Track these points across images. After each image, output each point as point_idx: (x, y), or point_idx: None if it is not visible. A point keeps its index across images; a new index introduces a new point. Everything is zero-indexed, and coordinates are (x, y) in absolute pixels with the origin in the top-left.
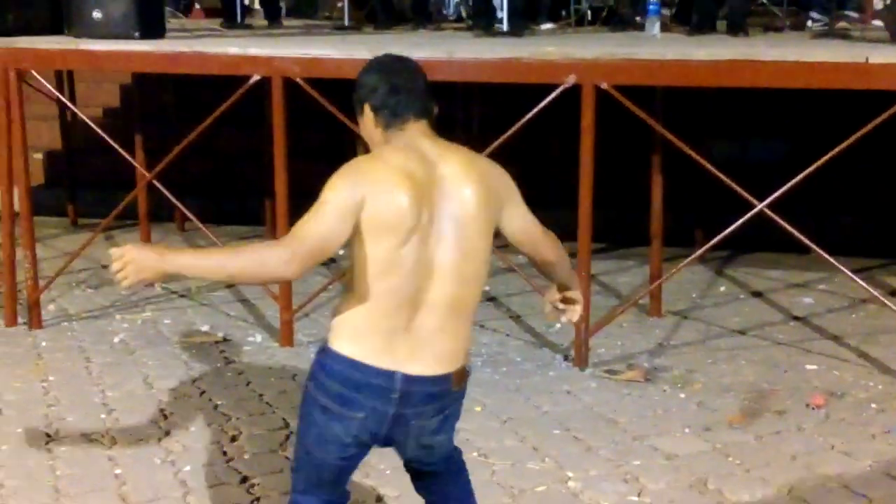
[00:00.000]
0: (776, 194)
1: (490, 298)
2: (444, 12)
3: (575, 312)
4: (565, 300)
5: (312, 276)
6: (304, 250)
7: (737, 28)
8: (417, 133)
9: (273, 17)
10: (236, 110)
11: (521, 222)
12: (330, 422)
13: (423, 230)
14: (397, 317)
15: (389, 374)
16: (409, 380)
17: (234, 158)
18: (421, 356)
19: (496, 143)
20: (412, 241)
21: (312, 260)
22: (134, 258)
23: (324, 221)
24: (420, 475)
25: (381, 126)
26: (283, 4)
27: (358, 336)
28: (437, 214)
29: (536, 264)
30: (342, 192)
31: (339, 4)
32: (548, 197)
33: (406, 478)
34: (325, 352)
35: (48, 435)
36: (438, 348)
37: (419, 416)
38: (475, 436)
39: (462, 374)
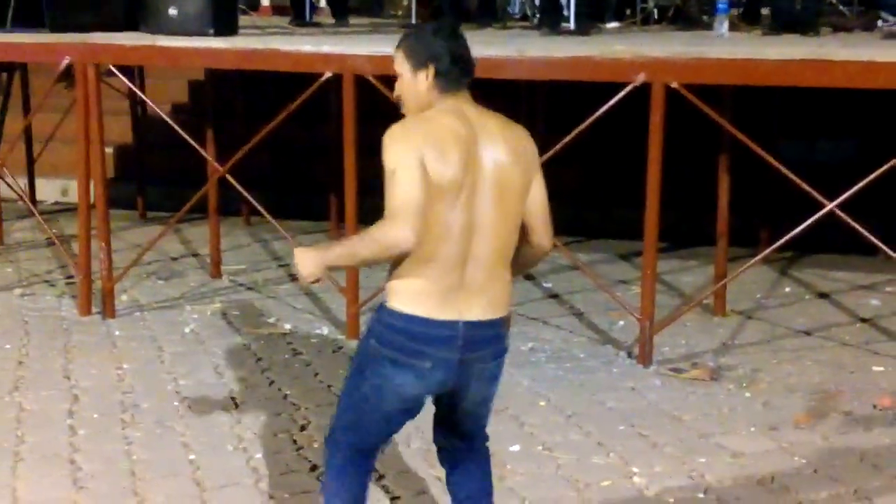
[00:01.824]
0: (847, 194)
1: (553, 295)
2: (510, 10)
3: None
4: None
5: (376, 272)
6: (407, 216)
7: (807, 27)
8: (463, 99)
9: (341, 15)
10: (301, 106)
11: (537, 193)
12: (400, 374)
13: (469, 189)
14: (452, 275)
15: (452, 324)
16: (470, 325)
17: (298, 154)
18: (476, 304)
19: (565, 141)
20: (461, 202)
21: (419, 221)
22: (300, 260)
23: (406, 184)
24: (453, 446)
25: (436, 89)
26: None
27: (419, 296)
28: (480, 174)
29: (521, 246)
30: (405, 154)
31: (405, 2)
32: (614, 196)
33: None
34: (386, 311)
35: (124, 421)
36: (490, 295)
37: (481, 360)
38: (540, 430)
39: (509, 319)
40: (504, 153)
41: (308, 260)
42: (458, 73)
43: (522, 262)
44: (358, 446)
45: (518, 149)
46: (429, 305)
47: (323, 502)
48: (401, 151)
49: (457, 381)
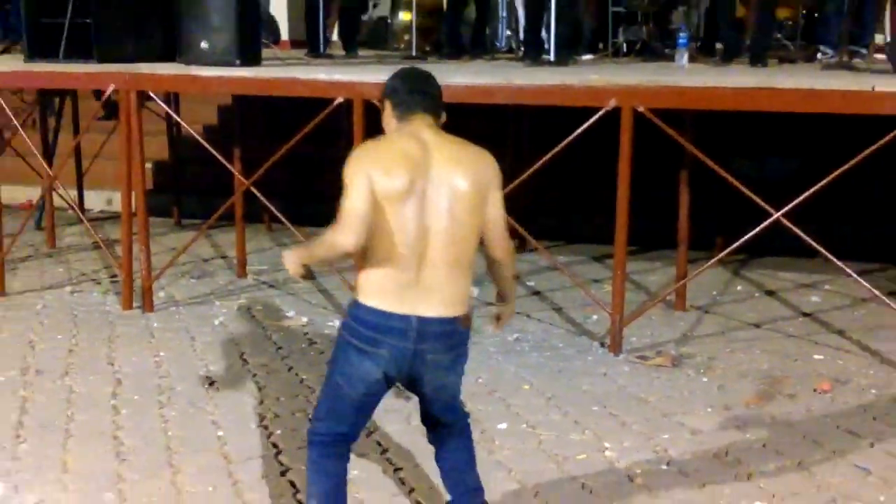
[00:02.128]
0: (791, 205)
1: (535, 292)
2: (497, 44)
3: (498, 325)
4: (498, 316)
5: None
6: (350, 224)
7: (757, 59)
8: (422, 125)
9: (351, 47)
10: (316, 127)
11: (493, 210)
12: (363, 360)
13: (419, 199)
14: (408, 274)
15: (406, 318)
16: (423, 321)
17: (313, 168)
18: (430, 302)
19: (545, 159)
20: (410, 210)
21: (361, 228)
22: (285, 258)
23: (353, 199)
24: (435, 427)
25: (395, 118)
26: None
27: (379, 290)
28: (431, 188)
29: (487, 258)
30: (356, 173)
31: (407, 37)
32: (589, 206)
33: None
34: (354, 304)
35: (161, 402)
36: (444, 295)
37: (434, 351)
38: (524, 410)
39: (467, 318)
40: (456, 171)
41: (288, 258)
42: (413, 105)
43: (493, 273)
44: (335, 432)
45: (472, 168)
46: (387, 300)
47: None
48: (352, 171)
49: (412, 369)
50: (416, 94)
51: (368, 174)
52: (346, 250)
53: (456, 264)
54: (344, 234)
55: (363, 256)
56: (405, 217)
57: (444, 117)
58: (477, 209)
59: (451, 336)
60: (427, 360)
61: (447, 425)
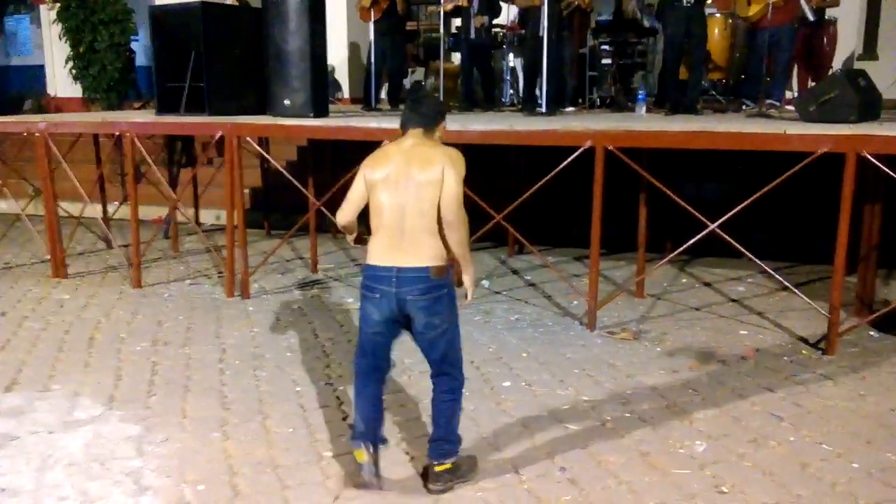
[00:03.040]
0: (723, 218)
1: (531, 284)
2: (503, 100)
3: (467, 300)
4: (465, 294)
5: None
6: (344, 206)
7: (690, 109)
8: (411, 136)
9: (395, 102)
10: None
11: (445, 189)
12: (366, 305)
13: (395, 186)
14: (392, 239)
15: (390, 269)
16: (400, 270)
17: None
18: (406, 257)
19: (538, 185)
20: (387, 193)
21: (349, 209)
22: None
23: (351, 189)
24: (436, 375)
25: (400, 132)
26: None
27: (374, 252)
28: (403, 178)
29: (440, 224)
30: (359, 171)
31: (436, 95)
32: (571, 219)
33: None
34: (364, 265)
35: (254, 365)
36: (416, 252)
37: (411, 293)
38: (523, 372)
39: (439, 270)
40: (418, 165)
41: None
42: (407, 122)
43: (446, 237)
44: (362, 363)
45: (429, 162)
46: (378, 258)
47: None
48: (359, 170)
49: (400, 309)
50: (411, 114)
51: (364, 171)
52: (339, 223)
53: (424, 231)
54: (339, 212)
55: (371, 232)
56: (385, 199)
57: (437, 129)
58: (433, 192)
59: (424, 281)
60: (408, 301)
61: (442, 375)
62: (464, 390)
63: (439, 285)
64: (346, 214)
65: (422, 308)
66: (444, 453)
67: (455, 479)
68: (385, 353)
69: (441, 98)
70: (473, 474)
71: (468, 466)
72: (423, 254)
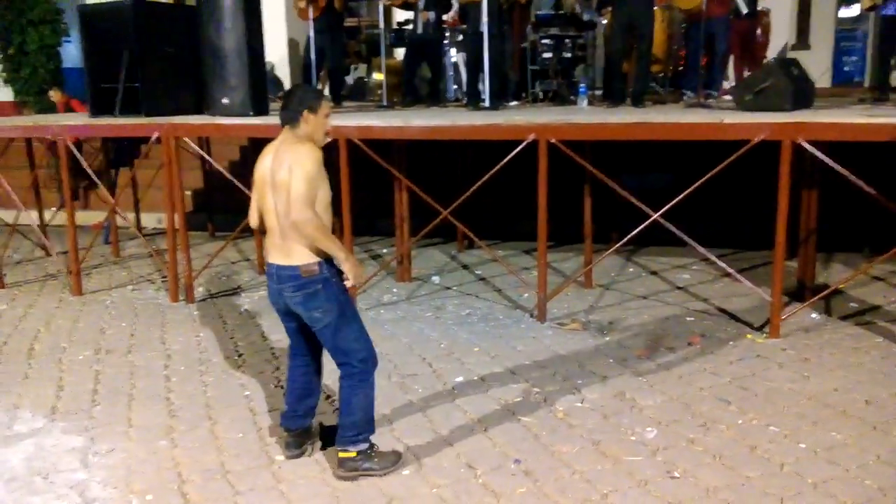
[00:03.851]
0: (666, 208)
1: (482, 278)
2: (447, 95)
3: (349, 282)
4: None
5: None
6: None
7: (637, 102)
8: (281, 134)
9: (337, 99)
10: None
11: (290, 195)
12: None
13: (265, 187)
14: (272, 237)
15: (270, 265)
16: (279, 267)
17: None
18: (282, 256)
19: (483, 179)
20: (263, 194)
21: (251, 210)
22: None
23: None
24: (338, 366)
25: None
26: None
27: (266, 250)
28: (271, 180)
29: None
30: None
31: (379, 91)
32: (518, 213)
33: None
34: None
35: (201, 370)
36: (289, 251)
37: (287, 290)
38: (475, 366)
39: (309, 268)
40: (276, 165)
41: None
42: (280, 120)
43: (302, 240)
44: (290, 347)
45: (281, 164)
46: (267, 256)
47: None
48: None
49: (283, 303)
50: (280, 111)
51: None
52: (251, 226)
53: (284, 230)
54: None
55: None
56: (263, 200)
57: (301, 123)
58: (286, 189)
59: (295, 279)
60: (286, 296)
61: (340, 364)
62: (378, 380)
63: (311, 282)
64: (249, 218)
65: (299, 304)
66: (343, 440)
67: (360, 468)
68: (297, 341)
69: (385, 95)
70: (385, 469)
71: (381, 460)
72: (294, 252)
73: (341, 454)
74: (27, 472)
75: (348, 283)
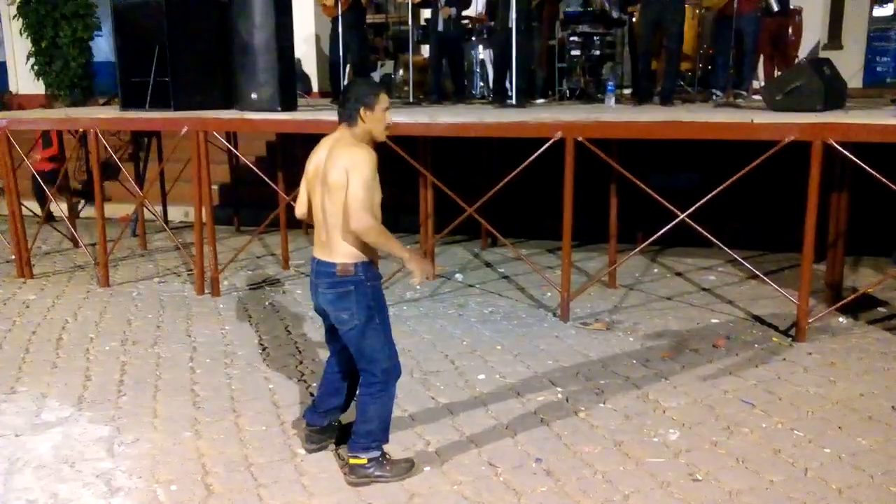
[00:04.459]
0: (693, 208)
1: (505, 277)
2: (474, 92)
3: (415, 280)
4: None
5: (388, 264)
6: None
7: (666, 101)
8: (337, 131)
9: None
10: None
11: (348, 202)
12: None
13: (315, 184)
14: (318, 232)
15: (313, 259)
16: (318, 262)
17: None
18: (323, 251)
19: (509, 177)
20: (313, 191)
21: (298, 202)
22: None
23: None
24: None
25: None
26: None
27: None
28: (322, 178)
29: None
30: None
31: (406, 88)
32: (543, 211)
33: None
34: None
35: (226, 363)
36: (331, 247)
37: (321, 284)
38: (497, 364)
39: (346, 268)
40: (329, 165)
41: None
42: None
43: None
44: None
45: (335, 166)
46: (313, 250)
47: None
48: None
49: (317, 299)
50: (338, 107)
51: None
52: (298, 216)
53: (338, 228)
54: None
55: None
56: (312, 197)
57: (358, 120)
58: (340, 193)
59: (330, 276)
60: (319, 292)
61: (361, 370)
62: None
63: (345, 282)
64: (296, 207)
65: (329, 301)
66: (355, 447)
67: (371, 476)
68: (331, 339)
69: (411, 91)
70: (396, 477)
71: (393, 468)
72: (335, 250)
73: (352, 460)
74: (55, 460)
75: (415, 281)
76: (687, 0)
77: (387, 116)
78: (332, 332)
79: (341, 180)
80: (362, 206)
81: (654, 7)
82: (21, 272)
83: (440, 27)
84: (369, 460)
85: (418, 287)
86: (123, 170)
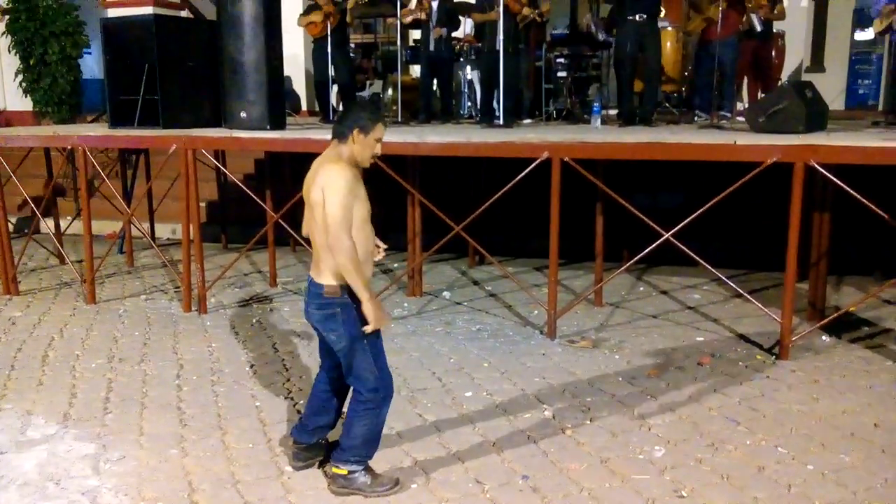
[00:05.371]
0: (677, 227)
1: (492, 294)
2: (461, 112)
3: (368, 327)
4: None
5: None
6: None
7: (646, 122)
8: (329, 147)
9: None
10: None
11: (325, 219)
12: None
13: (305, 200)
14: (312, 250)
15: (307, 277)
16: (311, 282)
17: None
18: (315, 270)
19: (496, 196)
20: (305, 207)
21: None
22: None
23: None
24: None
25: None
26: None
27: None
28: (307, 195)
29: None
30: None
31: (394, 107)
32: (530, 230)
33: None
34: None
35: (213, 380)
36: (320, 267)
37: (311, 304)
38: (484, 382)
39: (332, 289)
40: (312, 182)
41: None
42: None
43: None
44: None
45: (315, 183)
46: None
47: None
48: None
49: (308, 317)
50: (334, 124)
51: None
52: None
53: (324, 247)
54: None
55: None
56: (305, 212)
57: (349, 140)
58: (319, 210)
59: (318, 297)
60: (309, 311)
61: (353, 389)
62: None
63: (331, 303)
64: (303, 225)
65: (317, 320)
66: (339, 458)
67: (352, 487)
68: (323, 355)
69: (400, 111)
70: (378, 493)
71: (375, 482)
72: (322, 270)
73: (334, 469)
74: (40, 478)
75: (367, 329)
76: (671, 24)
77: (377, 147)
78: (324, 350)
79: (319, 198)
80: (339, 224)
81: (630, 31)
82: (7, 289)
83: (431, 47)
84: (349, 472)
85: (405, 304)
86: (111, 186)
